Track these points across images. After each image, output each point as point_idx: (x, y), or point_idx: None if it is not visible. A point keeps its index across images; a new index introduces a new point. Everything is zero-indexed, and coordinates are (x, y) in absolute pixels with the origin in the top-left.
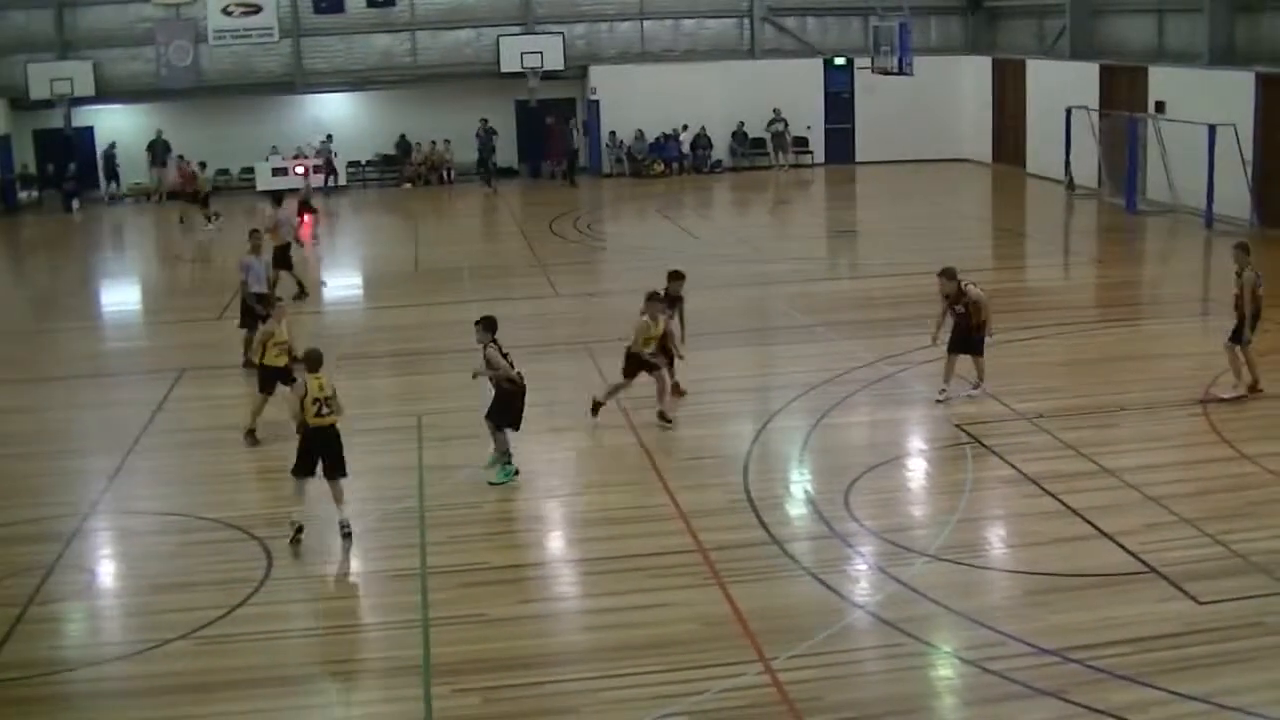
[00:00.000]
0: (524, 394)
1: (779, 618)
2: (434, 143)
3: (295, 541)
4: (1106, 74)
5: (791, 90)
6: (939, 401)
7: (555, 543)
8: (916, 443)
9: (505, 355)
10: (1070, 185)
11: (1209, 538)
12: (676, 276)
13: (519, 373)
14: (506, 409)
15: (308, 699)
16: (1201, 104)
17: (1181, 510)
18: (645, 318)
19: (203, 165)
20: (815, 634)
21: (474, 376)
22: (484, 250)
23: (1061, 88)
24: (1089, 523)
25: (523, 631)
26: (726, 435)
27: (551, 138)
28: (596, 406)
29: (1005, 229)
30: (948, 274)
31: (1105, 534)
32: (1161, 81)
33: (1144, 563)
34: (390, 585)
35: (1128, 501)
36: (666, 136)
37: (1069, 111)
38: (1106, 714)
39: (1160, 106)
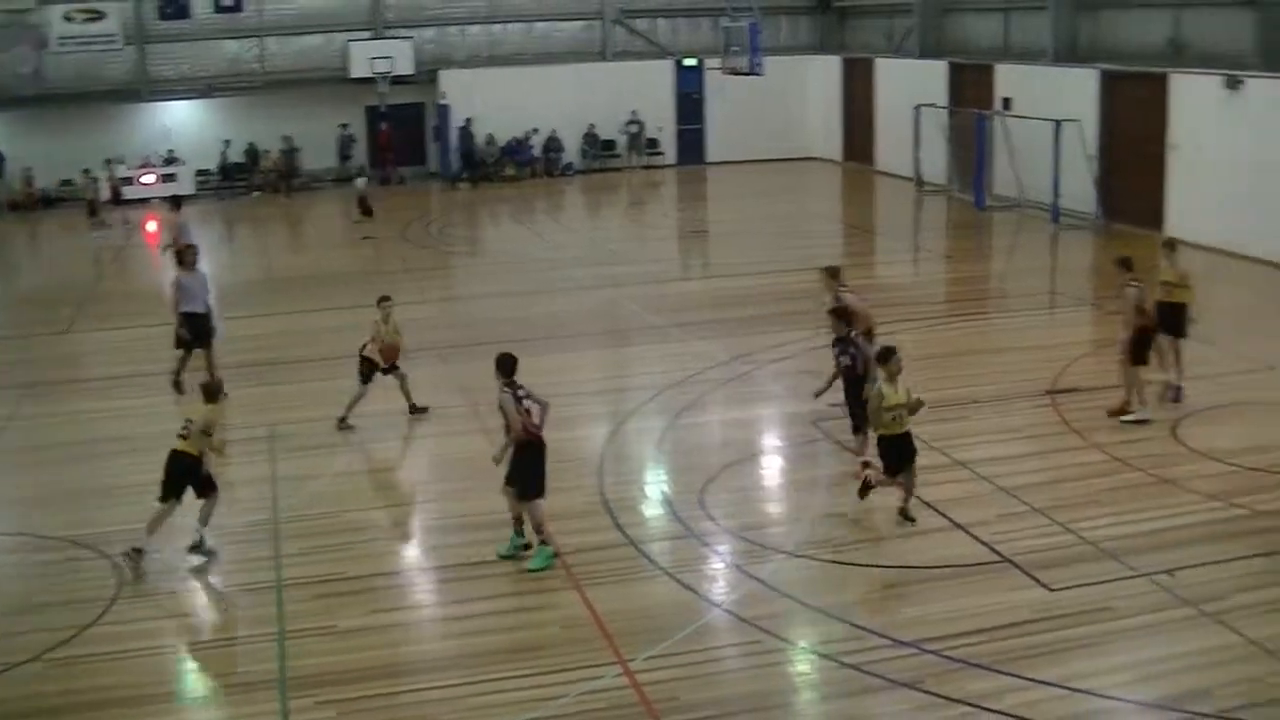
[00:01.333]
0: (543, 450)
1: (637, 619)
2: (284, 150)
3: (133, 561)
4: (955, 72)
5: (643, 92)
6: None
7: (412, 550)
8: (771, 440)
9: (524, 399)
10: (919, 182)
11: (1060, 526)
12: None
13: (537, 423)
14: (526, 471)
15: (164, 718)
16: (1047, 101)
17: (1032, 500)
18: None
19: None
20: (673, 634)
21: (495, 462)
22: (336, 258)
23: (910, 86)
24: (942, 515)
25: (381, 641)
26: (581, 438)
27: (387, 142)
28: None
29: (855, 226)
30: (830, 272)
31: (959, 525)
32: (1008, 79)
33: (997, 552)
34: (245, 599)
35: (980, 493)
36: (518, 140)
37: (918, 109)
38: (963, 703)
39: (1007, 103)
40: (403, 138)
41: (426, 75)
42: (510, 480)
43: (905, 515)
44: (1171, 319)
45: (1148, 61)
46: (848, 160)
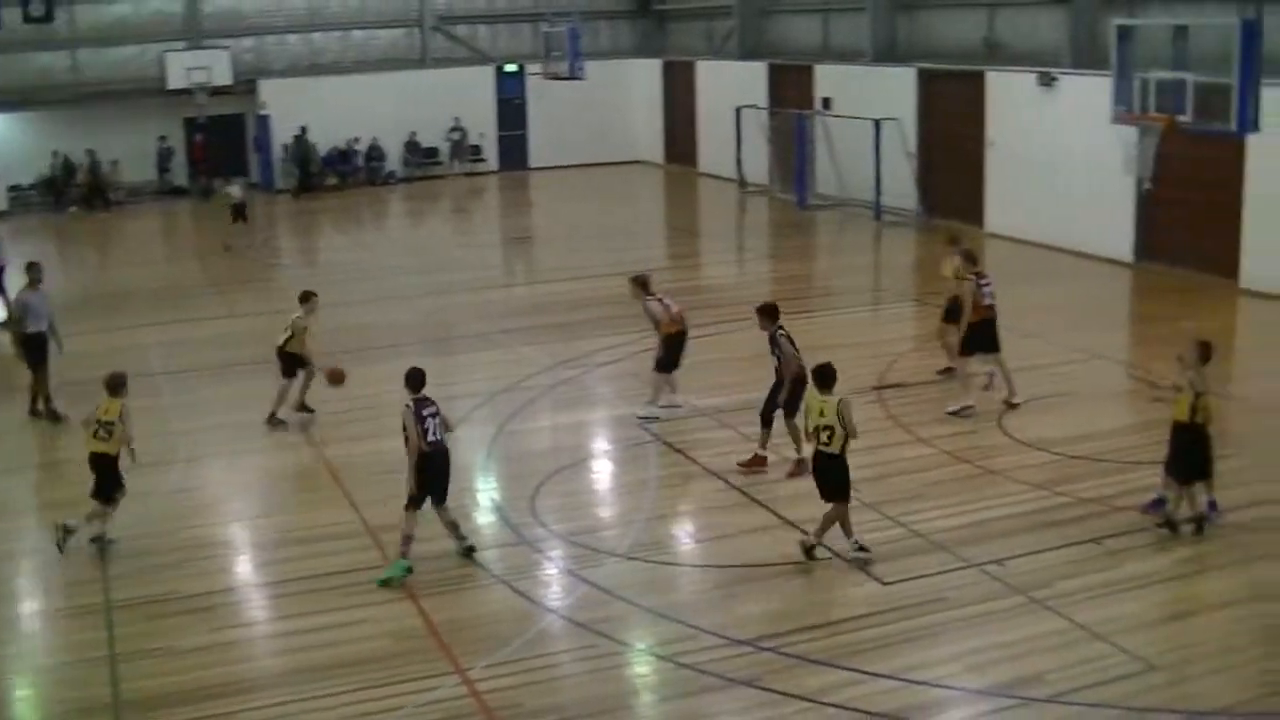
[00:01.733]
0: (435, 459)
1: (473, 628)
2: (102, 163)
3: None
4: (775, 73)
5: (464, 98)
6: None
7: (244, 567)
8: (600, 444)
9: (427, 418)
10: (742, 183)
11: (891, 520)
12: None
13: (436, 437)
14: (422, 485)
15: None
16: (867, 100)
17: (863, 495)
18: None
19: None
20: (510, 641)
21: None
22: (157, 273)
23: (731, 87)
24: (773, 513)
25: (215, 660)
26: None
27: (202, 154)
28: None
29: (679, 228)
30: (638, 281)
31: (790, 523)
32: (828, 79)
33: (829, 549)
34: (72, 623)
35: (810, 490)
36: (341, 151)
37: (739, 111)
38: (801, 698)
39: (827, 103)
40: (224, 149)
41: (245, 86)
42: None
43: (808, 550)
44: (957, 312)
45: (964, 60)
46: (670, 163)
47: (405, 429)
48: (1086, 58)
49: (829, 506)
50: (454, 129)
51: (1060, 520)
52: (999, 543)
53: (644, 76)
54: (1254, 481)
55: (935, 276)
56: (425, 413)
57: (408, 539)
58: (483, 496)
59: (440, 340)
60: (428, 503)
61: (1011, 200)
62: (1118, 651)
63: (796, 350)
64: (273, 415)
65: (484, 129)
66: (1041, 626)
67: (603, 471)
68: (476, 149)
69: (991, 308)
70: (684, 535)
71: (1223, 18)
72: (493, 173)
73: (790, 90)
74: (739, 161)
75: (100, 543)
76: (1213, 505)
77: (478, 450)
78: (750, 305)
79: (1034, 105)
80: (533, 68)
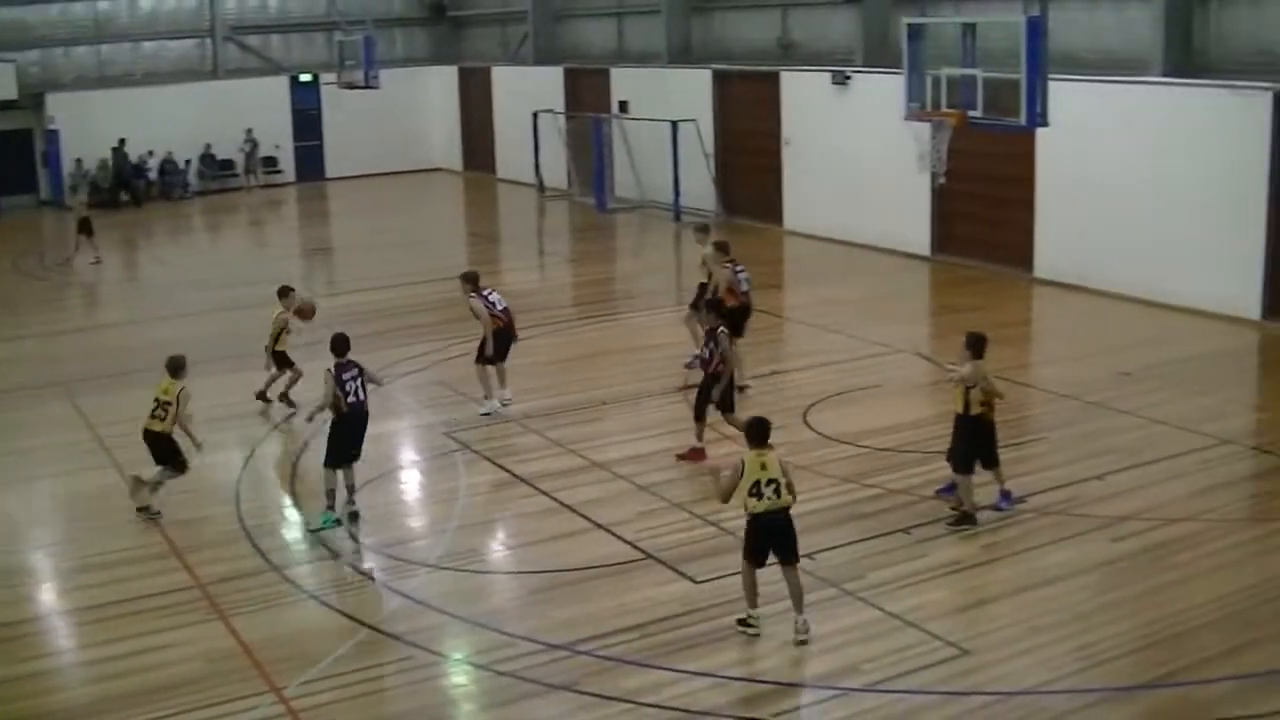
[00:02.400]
0: (358, 424)
1: (287, 645)
2: None
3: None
4: (571, 77)
5: (259, 109)
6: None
7: (48, 594)
8: (408, 455)
9: (347, 380)
10: (541, 188)
11: (700, 519)
12: None
13: (356, 399)
14: (331, 442)
15: None
16: (663, 102)
17: (671, 496)
18: None
19: None
20: (325, 657)
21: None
22: None
23: (528, 93)
24: (584, 517)
25: (22, 692)
26: (214, 465)
27: None
28: None
29: (480, 235)
30: (467, 277)
31: (601, 526)
32: (624, 82)
33: (641, 550)
34: None
35: (619, 492)
36: (134, 165)
37: (536, 116)
38: (621, 700)
39: (624, 106)
40: (10, 165)
41: (32, 100)
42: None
43: (744, 623)
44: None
45: (759, 60)
46: (469, 169)
47: (325, 390)
48: (879, 56)
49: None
50: (246, 140)
51: (869, 512)
52: (810, 537)
53: (440, 84)
54: (1055, 466)
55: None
56: (346, 376)
57: (330, 494)
58: (291, 512)
59: (241, 355)
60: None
61: (809, 198)
62: (930, 638)
63: (734, 351)
64: (262, 394)
65: (280, 140)
66: (855, 617)
67: (411, 481)
68: (272, 160)
69: (748, 294)
70: (495, 543)
71: (1010, 15)
72: (290, 184)
73: (587, 94)
74: (537, 166)
75: (148, 514)
76: (1005, 495)
77: (285, 465)
78: (553, 310)
79: (829, 104)
80: (327, 77)
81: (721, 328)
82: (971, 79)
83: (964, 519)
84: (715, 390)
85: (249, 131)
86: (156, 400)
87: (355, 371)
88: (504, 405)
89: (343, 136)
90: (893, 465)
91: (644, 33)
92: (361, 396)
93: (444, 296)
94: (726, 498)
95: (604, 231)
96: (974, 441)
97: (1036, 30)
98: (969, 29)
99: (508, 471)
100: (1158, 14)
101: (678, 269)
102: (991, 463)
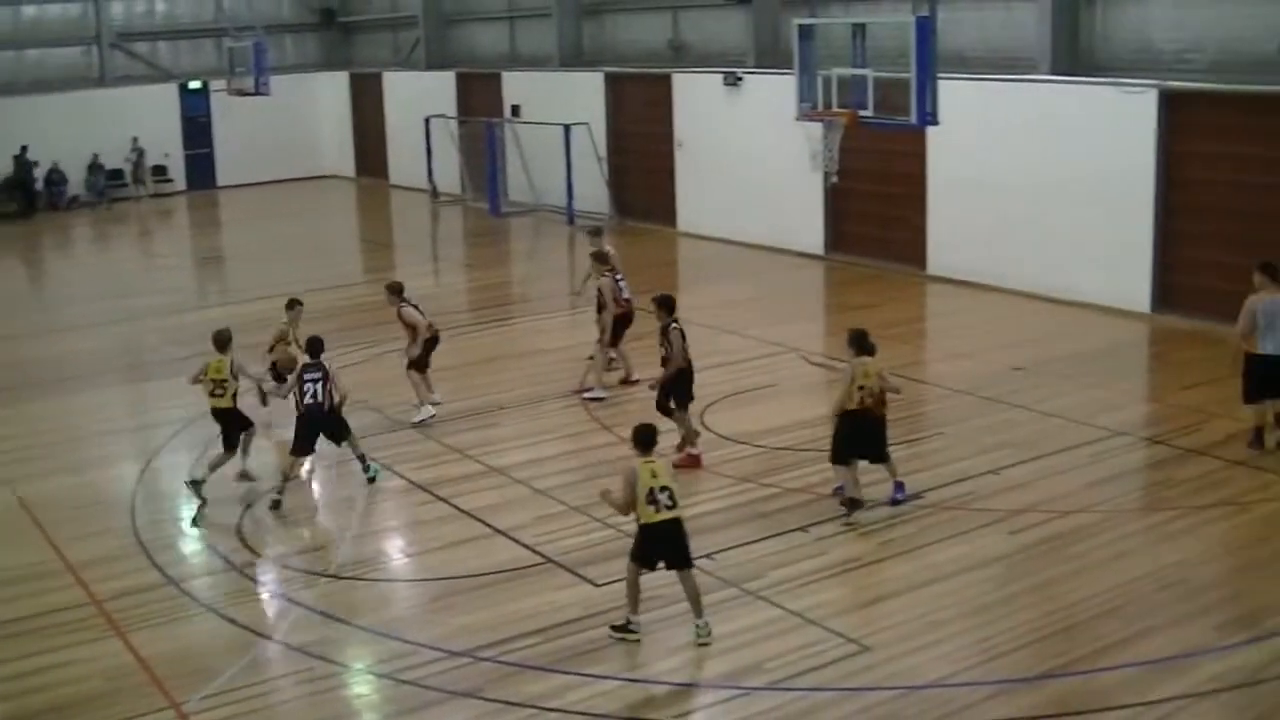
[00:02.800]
0: (308, 419)
1: (186, 660)
2: None
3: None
4: (463, 82)
5: (147, 118)
6: None
7: None
8: (305, 464)
9: (308, 382)
10: (435, 193)
11: (599, 522)
12: None
13: (316, 401)
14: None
15: None
16: (556, 105)
17: (569, 499)
18: None
19: None
20: (225, 670)
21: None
22: None
23: (420, 98)
24: (483, 522)
25: None
26: (108, 479)
27: None
28: None
29: (374, 241)
30: (392, 288)
31: (500, 531)
32: (516, 86)
33: (540, 554)
34: None
35: (518, 497)
36: (19, 177)
37: (428, 121)
38: (525, 705)
39: (516, 110)
40: None
41: None
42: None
43: (623, 629)
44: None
45: (651, 63)
46: (362, 175)
47: (288, 385)
48: (770, 57)
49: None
50: (132, 149)
51: (768, 511)
52: (709, 537)
53: (331, 90)
54: (951, 461)
55: (634, 279)
56: (307, 377)
57: (284, 477)
58: (188, 525)
59: (134, 367)
60: None
61: (702, 199)
62: (831, 635)
63: (686, 346)
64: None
65: (169, 148)
66: (756, 616)
67: (309, 491)
68: (162, 169)
69: (630, 301)
70: (394, 550)
71: (899, 16)
72: (181, 193)
73: (479, 98)
74: (430, 172)
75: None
76: (899, 487)
77: (180, 478)
78: (448, 315)
79: (721, 105)
80: (217, 84)
81: (676, 325)
82: (862, 79)
83: (851, 505)
84: (672, 386)
85: (134, 140)
86: (212, 380)
87: (318, 375)
88: (434, 409)
89: (234, 144)
90: (789, 464)
91: (536, 36)
92: (319, 399)
93: (339, 304)
94: (627, 510)
95: (498, 236)
96: (853, 436)
97: (925, 30)
98: (859, 29)
99: (405, 478)
100: (1044, 13)
101: (571, 272)
102: (881, 458)
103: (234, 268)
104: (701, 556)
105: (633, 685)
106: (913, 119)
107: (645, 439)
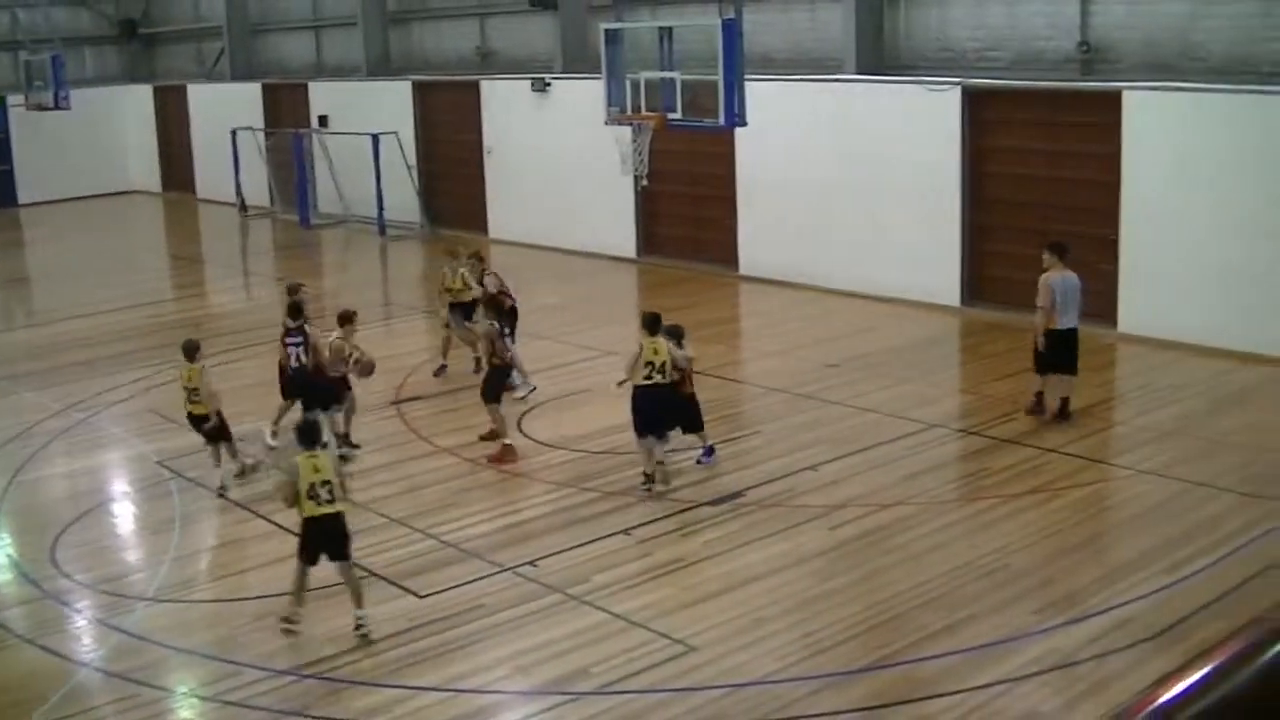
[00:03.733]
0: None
1: (3, 693)
2: None
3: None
4: (269, 93)
5: None
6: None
7: None
8: (120, 486)
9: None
10: (243, 207)
11: (420, 533)
12: None
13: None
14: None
15: None
16: (364, 115)
17: (390, 511)
18: None
19: None
20: (43, 703)
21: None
22: None
23: (225, 110)
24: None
25: None
26: None
27: None
28: None
29: (182, 257)
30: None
31: None
32: (324, 96)
33: (362, 567)
34: None
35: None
36: None
37: (234, 133)
38: None
39: (324, 121)
40: None
41: None
42: None
43: (287, 622)
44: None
45: (459, 70)
46: (168, 190)
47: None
48: (579, 62)
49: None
50: None
51: (589, 515)
52: (531, 544)
53: (134, 103)
54: (770, 459)
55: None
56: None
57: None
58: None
59: None
60: None
61: (513, 206)
62: (657, 637)
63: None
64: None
65: None
66: (581, 621)
67: (124, 514)
68: None
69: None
70: (215, 570)
71: (705, 19)
72: None
73: (286, 109)
74: (238, 185)
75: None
76: (709, 451)
77: None
78: (260, 330)
79: (530, 111)
80: (15, 99)
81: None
82: (670, 82)
83: (646, 479)
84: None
85: None
86: (184, 388)
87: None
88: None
89: (34, 160)
90: (609, 468)
91: (342, 45)
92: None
93: (149, 322)
94: (290, 501)
95: (309, 248)
96: (647, 410)
97: (732, 32)
98: (666, 33)
99: (223, 497)
100: (849, 14)
101: (384, 283)
102: (694, 428)
103: (38, 288)
104: (524, 563)
105: (461, 695)
106: (721, 121)
107: (306, 434)
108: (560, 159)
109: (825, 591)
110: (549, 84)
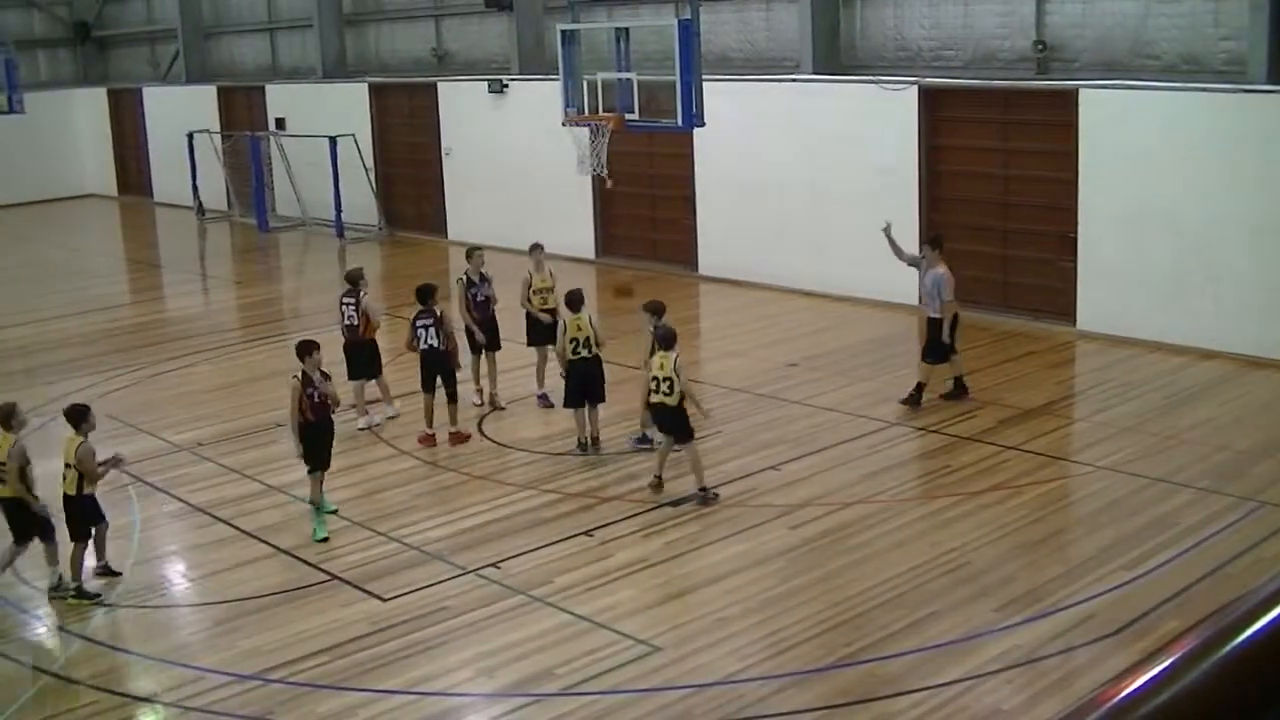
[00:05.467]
0: (317, 427)
1: None
2: None
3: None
4: (225, 95)
5: None
6: None
7: None
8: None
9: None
10: (200, 210)
11: (383, 536)
12: None
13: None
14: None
15: None
16: (321, 117)
17: (352, 514)
18: None
19: None
20: (4, 710)
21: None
22: None
23: (181, 113)
24: (265, 542)
25: None
26: None
27: None
28: None
29: (139, 261)
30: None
31: (282, 550)
32: (280, 99)
33: (325, 571)
34: None
35: (299, 515)
36: None
37: (190, 136)
38: None
39: (281, 123)
40: None
41: None
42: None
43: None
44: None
45: (416, 72)
46: (124, 194)
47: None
48: (535, 63)
49: None
50: None
51: (550, 517)
52: (493, 546)
53: (88, 106)
54: (731, 459)
55: (402, 289)
56: (308, 390)
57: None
58: None
59: None
60: None
61: (472, 208)
62: (621, 638)
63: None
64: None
65: None
66: (545, 623)
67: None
68: None
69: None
70: (175, 575)
71: (661, 19)
72: None
73: (242, 112)
74: (195, 189)
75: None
76: (644, 438)
77: None
78: (221, 333)
79: (487, 112)
80: None
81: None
82: (627, 82)
83: (580, 446)
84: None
85: None
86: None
87: (312, 388)
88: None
89: None
90: (570, 469)
91: (298, 47)
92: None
93: (105, 327)
94: (93, 480)
95: (266, 252)
96: (578, 383)
97: (688, 33)
98: (622, 33)
99: (183, 501)
100: (805, 14)
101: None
102: (685, 438)
103: None
104: (487, 565)
105: (425, 698)
106: (679, 121)
107: (73, 418)
108: (518, 160)
109: (787, 591)
110: (506, 85)
